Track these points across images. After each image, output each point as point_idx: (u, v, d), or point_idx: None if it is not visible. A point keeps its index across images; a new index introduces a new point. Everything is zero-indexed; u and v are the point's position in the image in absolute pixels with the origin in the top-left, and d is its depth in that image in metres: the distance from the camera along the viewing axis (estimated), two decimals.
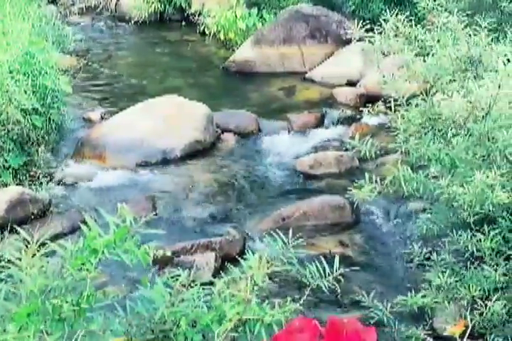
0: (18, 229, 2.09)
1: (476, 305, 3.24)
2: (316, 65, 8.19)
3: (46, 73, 6.02)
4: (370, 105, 3.75)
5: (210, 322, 1.96)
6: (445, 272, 3.37)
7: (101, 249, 1.79)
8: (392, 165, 3.60)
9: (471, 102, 3.30)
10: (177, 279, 2.11)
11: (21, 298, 1.80)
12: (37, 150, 5.79)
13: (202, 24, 9.51)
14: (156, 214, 5.20)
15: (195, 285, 2.13)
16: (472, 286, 3.27)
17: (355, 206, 4.86)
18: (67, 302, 1.77)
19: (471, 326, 1.91)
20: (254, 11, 9.07)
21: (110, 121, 6.61)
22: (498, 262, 3.33)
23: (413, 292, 3.34)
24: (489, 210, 3.18)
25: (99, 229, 1.88)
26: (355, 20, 3.72)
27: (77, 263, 1.82)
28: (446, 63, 3.53)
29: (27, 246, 1.89)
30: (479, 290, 3.27)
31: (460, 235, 3.37)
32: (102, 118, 6.89)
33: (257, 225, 5.20)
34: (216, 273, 4.39)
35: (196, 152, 6.31)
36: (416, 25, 3.66)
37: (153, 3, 10.16)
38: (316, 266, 2.10)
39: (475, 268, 3.39)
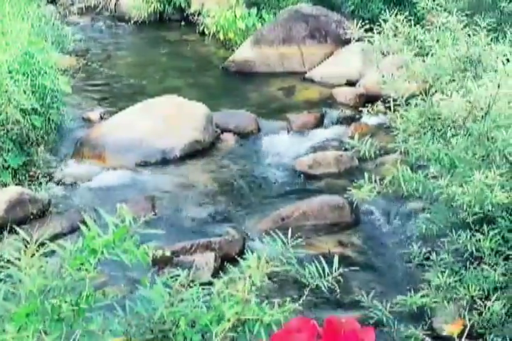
0: (18, 229, 2.09)
1: (475, 305, 3.24)
2: (315, 65, 8.19)
3: (45, 73, 6.02)
4: (370, 105, 3.76)
5: (209, 322, 1.96)
6: (444, 272, 3.37)
7: (100, 249, 1.79)
8: (392, 165, 3.60)
9: (470, 102, 3.30)
10: (176, 279, 2.11)
11: (20, 298, 1.80)
12: (36, 150, 5.79)
13: (201, 24, 9.51)
14: (155, 214, 5.20)
15: (195, 285, 2.13)
16: (471, 286, 3.27)
17: (354, 206, 4.86)
18: (66, 302, 1.77)
19: (469, 326, 1.91)
20: (254, 10, 9.07)
21: (109, 121, 6.61)
22: (497, 262, 3.33)
23: (412, 292, 3.34)
24: (488, 210, 3.18)
25: (99, 229, 1.88)
26: (355, 20, 3.72)
27: (76, 263, 1.82)
28: (446, 63, 3.53)
29: (26, 246, 1.89)
30: (478, 290, 3.27)
31: (459, 235, 3.37)
32: (102, 118, 6.89)
33: (256, 225, 5.20)
34: (215, 273, 4.39)
35: (196, 152, 6.31)
36: (415, 25, 3.66)
37: (152, 3, 10.16)
38: (316, 266, 2.10)
39: (474, 268, 3.39)
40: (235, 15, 8.96)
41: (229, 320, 1.88)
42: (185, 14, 10.13)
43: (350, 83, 7.67)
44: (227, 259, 4.42)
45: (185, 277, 2.12)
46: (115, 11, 10.68)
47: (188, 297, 2.06)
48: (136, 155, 6.16)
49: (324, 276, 2.09)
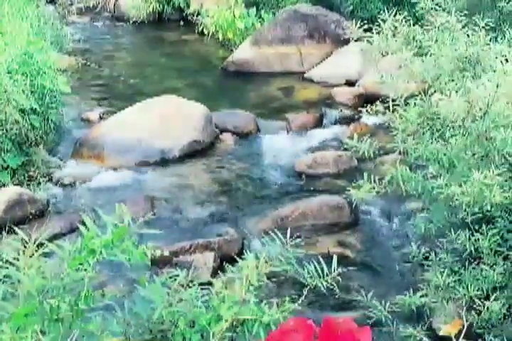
0: (16, 229, 2.09)
1: (474, 305, 3.24)
2: (314, 65, 8.19)
3: (44, 73, 6.01)
4: (369, 105, 3.74)
5: (208, 322, 1.96)
6: (443, 272, 3.37)
7: (99, 249, 1.79)
8: (391, 164, 3.60)
9: (469, 102, 3.30)
10: (175, 279, 2.11)
11: (19, 299, 1.80)
12: (35, 151, 5.79)
13: (200, 24, 9.51)
14: (154, 214, 5.17)
15: (194, 285, 2.13)
16: (470, 286, 3.27)
17: (353, 206, 4.86)
18: (64, 302, 1.77)
19: (468, 326, 1.91)
20: (253, 10, 9.07)
21: (109, 121, 6.61)
22: (496, 262, 3.33)
23: (411, 292, 3.34)
24: (487, 210, 3.18)
25: (98, 229, 1.88)
26: (354, 20, 3.72)
27: (75, 264, 1.82)
28: (445, 63, 3.52)
29: (25, 247, 1.89)
30: (477, 290, 3.27)
31: (458, 235, 3.37)
32: (101, 118, 6.89)
33: (255, 225, 5.19)
34: (215, 273, 4.39)
35: (195, 152, 6.31)
36: (414, 25, 3.66)
37: (151, 3, 10.17)
38: (315, 266, 2.10)
39: (473, 268, 3.39)
40: (234, 15, 8.96)
41: (226, 321, 1.88)
42: (184, 14, 10.13)
43: (350, 83, 7.67)
44: (226, 259, 4.42)
45: (184, 277, 2.12)
46: (114, 11, 10.69)
47: (187, 297, 2.06)
48: (136, 155, 6.16)
49: (323, 276, 2.09)
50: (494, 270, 3.28)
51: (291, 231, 2.16)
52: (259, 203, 5.58)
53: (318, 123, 6.88)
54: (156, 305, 2.01)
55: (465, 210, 3.22)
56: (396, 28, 3.61)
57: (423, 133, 3.52)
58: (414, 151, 3.50)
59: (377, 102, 3.65)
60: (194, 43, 9.47)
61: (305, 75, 8.08)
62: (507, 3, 5.79)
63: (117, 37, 9.93)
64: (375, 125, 6.47)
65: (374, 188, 3.36)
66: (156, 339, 2.00)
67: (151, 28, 10.14)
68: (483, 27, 3.59)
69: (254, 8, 9.11)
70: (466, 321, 2.65)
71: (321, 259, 2.15)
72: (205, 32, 9.36)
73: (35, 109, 5.79)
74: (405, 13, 3.68)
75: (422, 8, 3.84)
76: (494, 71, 3.38)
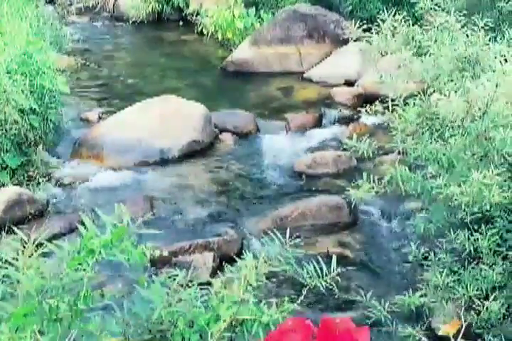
0: (16, 229, 2.09)
1: (473, 305, 3.24)
2: (313, 65, 8.19)
3: (44, 73, 6.01)
4: (368, 105, 3.74)
5: (207, 322, 1.96)
6: (443, 272, 3.37)
7: (98, 249, 1.78)
8: (390, 164, 3.60)
9: (468, 102, 3.30)
10: (174, 279, 2.11)
11: (18, 299, 1.80)
12: (35, 151, 5.78)
13: (200, 24, 9.50)
14: (153, 214, 5.19)
15: (193, 285, 2.13)
16: (470, 286, 3.27)
17: (353, 206, 4.86)
18: (64, 302, 1.77)
19: (468, 326, 1.91)
20: (252, 10, 9.07)
21: (108, 121, 6.61)
22: (495, 262, 3.33)
23: (411, 292, 3.34)
24: (487, 210, 3.18)
25: (97, 229, 1.88)
26: (353, 20, 3.72)
27: (74, 264, 1.82)
28: (444, 63, 3.52)
29: (24, 247, 1.89)
30: (477, 290, 3.27)
31: (458, 235, 3.37)
32: (100, 118, 6.89)
33: (255, 225, 5.19)
34: (214, 273, 4.39)
35: (194, 152, 6.31)
36: (413, 25, 3.66)
37: (150, 3, 10.17)
38: (314, 266, 2.10)
39: (473, 267, 3.39)
40: (234, 15, 8.96)
41: (225, 321, 1.88)
42: (183, 14, 10.13)
43: (349, 83, 7.67)
44: (225, 259, 4.42)
45: (183, 277, 2.12)
46: (113, 11, 10.69)
47: (186, 297, 2.06)
48: (135, 155, 6.16)
49: (322, 276, 2.09)
50: (493, 270, 3.28)
51: (291, 231, 2.16)
52: (258, 203, 5.58)
53: (318, 123, 6.89)
54: (155, 305, 2.01)
55: (464, 210, 3.22)
56: (395, 28, 3.61)
57: (422, 133, 3.52)
58: (413, 151, 3.50)
59: (377, 102, 3.65)
60: (193, 43, 9.47)
61: (304, 75, 8.08)
62: (506, 3, 5.79)
63: (116, 37, 9.92)
64: (374, 125, 6.48)
65: (373, 188, 3.36)
66: (155, 339, 2.00)
67: (151, 28, 10.14)
68: (482, 27, 3.59)
69: (254, 8, 9.11)
70: (466, 321, 2.65)
71: (320, 259, 2.15)
72: (205, 32, 9.36)
73: (35, 109, 5.79)
74: (404, 13, 3.69)
75: (422, 8, 3.84)
76: (493, 71, 3.38)
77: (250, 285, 1.94)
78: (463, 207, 3.14)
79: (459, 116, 3.31)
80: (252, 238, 5.01)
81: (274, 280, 3.93)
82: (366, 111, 3.72)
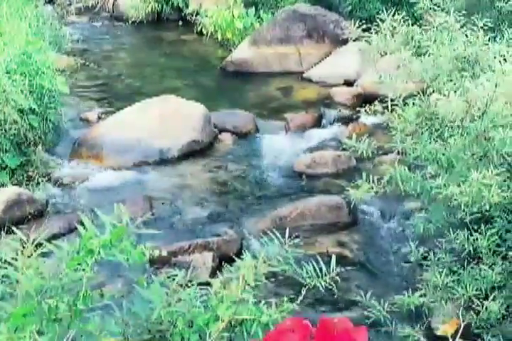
0: (15, 229, 2.09)
1: (473, 305, 3.24)
2: (313, 65, 8.19)
3: (43, 73, 6.01)
4: (367, 105, 3.74)
5: (206, 322, 1.96)
6: (442, 272, 3.37)
7: (97, 249, 1.78)
8: (390, 164, 3.60)
9: (467, 102, 3.30)
10: (174, 279, 2.11)
11: (17, 299, 1.80)
12: (34, 151, 5.78)
13: (199, 24, 9.50)
14: (153, 214, 5.19)
15: (192, 285, 2.13)
16: (469, 286, 3.27)
17: (352, 206, 4.86)
18: (63, 302, 1.77)
19: (465, 325, 1.91)
20: (252, 10, 9.07)
21: (107, 121, 6.61)
22: (495, 261, 3.33)
23: (410, 291, 3.34)
24: (486, 210, 3.18)
25: (96, 229, 1.88)
26: (352, 20, 3.72)
27: (73, 264, 1.82)
28: (443, 63, 3.53)
29: (23, 247, 1.89)
30: (476, 290, 3.27)
31: (457, 235, 3.37)
32: (99, 118, 6.89)
33: (254, 225, 5.19)
34: (213, 273, 4.39)
35: (193, 152, 6.31)
36: (413, 25, 3.66)
37: (150, 2, 10.16)
38: (313, 266, 2.10)
39: (472, 267, 3.39)
40: (233, 15, 8.96)
41: (223, 320, 1.88)
42: (183, 14, 10.13)
43: (348, 83, 7.67)
44: (225, 259, 4.42)
45: (182, 277, 2.12)
46: (113, 11, 10.68)
47: (185, 297, 2.06)
48: (134, 155, 6.16)
49: (322, 276, 2.09)
50: (493, 270, 3.28)
51: (290, 231, 2.16)
52: (257, 203, 5.58)
53: (317, 123, 6.88)
54: (154, 305, 2.02)
55: (464, 210, 3.22)
56: (395, 27, 3.61)
57: (422, 133, 3.52)
58: (412, 151, 3.50)
59: (376, 102, 3.65)
60: (193, 43, 9.47)
61: (304, 75, 8.08)
62: (505, 3, 5.79)
63: (116, 37, 9.92)
64: (373, 125, 6.47)
65: (372, 188, 3.36)
66: (154, 339, 2.00)
67: (150, 27, 10.14)
68: (481, 27, 3.59)
69: (253, 8, 9.11)
70: (465, 321, 2.65)
71: (319, 259, 2.15)
72: (204, 32, 9.36)
73: (34, 109, 5.79)
74: (404, 13, 3.68)
75: (421, 8, 3.84)
76: (493, 71, 3.38)
77: (249, 285, 1.93)
78: (462, 207, 3.14)
79: (458, 116, 3.31)
80: (251, 238, 5.01)
81: (274, 280, 3.93)
82: (365, 111, 3.72)
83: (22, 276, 1.80)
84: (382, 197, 4.64)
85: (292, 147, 6.48)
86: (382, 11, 3.70)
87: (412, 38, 3.64)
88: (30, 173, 5.67)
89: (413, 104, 3.55)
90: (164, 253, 2.03)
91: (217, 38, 9.15)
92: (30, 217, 5.16)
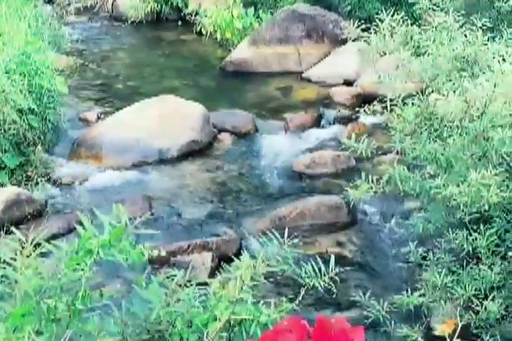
0: (14, 229, 2.09)
1: (472, 305, 3.24)
2: (312, 65, 8.19)
3: (42, 73, 6.01)
4: (367, 105, 3.74)
5: (205, 322, 1.96)
6: (441, 271, 3.37)
7: (96, 250, 1.78)
8: (389, 164, 3.60)
9: (466, 102, 3.30)
10: (173, 279, 2.10)
11: (16, 299, 1.80)
12: (33, 151, 5.78)
13: (199, 24, 9.50)
14: (152, 214, 5.20)
15: (191, 285, 2.13)
16: (468, 286, 3.27)
17: (351, 206, 4.86)
18: (62, 302, 1.76)
19: (465, 326, 1.91)
20: (251, 10, 9.07)
21: (106, 121, 6.60)
22: (494, 261, 3.33)
23: (410, 291, 3.34)
24: (485, 210, 3.18)
25: (95, 229, 1.88)
26: (352, 20, 3.72)
27: (72, 264, 1.82)
28: (442, 63, 3.53)
29: (22, 247, 1.89)
30: (475, 290, 3.27)
31: (456, 234, 3.37)
32: (99, 118, 6.88)
33: (253, 225, 5.19)
34: (213, 273, 4.39)
35: (193, 152, 6.31)
36: (412, 25, 3.67)
37: (149, 2, 10.16)
38: (312, 266, 2.10)
39: (471, 267, 3.39)
40: (232, 15, 8.96)
41: (220, 320, 1.88)
42: (182, 14, 10.12)
43: (348, 83, 7.67)
44: (224, 259, 4.42)
45: (181, 277, 2.12)
46: (112, 11, 10.68)
47: (184, 297, 2.06)
48: (133, 155, 6.16)
49: (321, 276, 2.09)
50: (492, 270, 3.28)
51: (289, 231, 2.16)
52: (257, 203, 5.58)
53: (317, 123, 6.88)
54: (153, 305, 2.01)
55: (463, 210, 3.23)
56: (394, 27, 3.61)
57: (421, 133, 3.52)
58: (411, 151, 3.51)
59: (375, 102, 3.65)
60: (192, 43, 9.47)
61: (303, 75, 8.08)
62: (504, 2, 5.79)
63: (115, 37, 9.92)
64: (372, 125, 6.47)
65: (372, 188, 3.36)
66: (153, 339, 2.00)
67: (149, 28, 10.14)
68: (480, 27, 3.60)
69: (253, 8, 9.11)
70: (464, 321, 2.65)
71: (318, 259, 2.15)
72: (204, 32, 9.35)
73: (33, 109, 5.79)
74: (403, 13, 3.68)
75: (420, 8, 3.84)
76: (492, 71, 3.38)
77: (245, 284, 1.93)
78: (461, 207, 3.14)
79: (457, 116, 3.31)
80: (250, 238, 5.01)
81: (273, 280, 3.93)
82: (365, 111, 3.72)
83: (21, 276, 1.80)
84: (381, 197, 4.64)
85: (291, 147, 6.47)
86: (382, 10, 3.70)
87: (411, 38, 3.64)
88: (29, 173, 5.67)
89: (412, 104, 3.56)
90: (163, 253, 2.03)
91: (217, 38, 9.15)
92: (29, 217, 5.15)
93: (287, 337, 1.05)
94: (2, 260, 1.86)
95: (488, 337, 3.22)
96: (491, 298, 3.18)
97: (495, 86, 3.26)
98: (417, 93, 3.57)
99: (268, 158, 6.30)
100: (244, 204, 5.56)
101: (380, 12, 3.67)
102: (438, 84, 3.53)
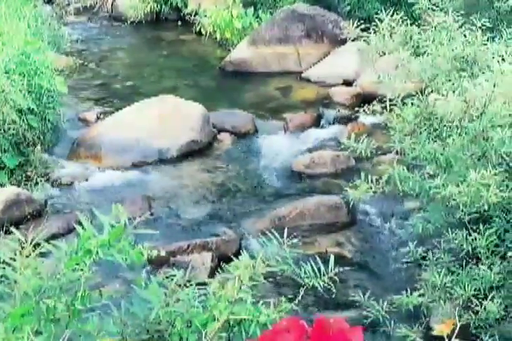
0: (13, 229, 2.09)
1: (471, 305, 3.24)
2: (312, 65, 8.19)
3: (42, 73, 6.01)
4: (366, 105, 3.74)
5: (205, 322, 1.96)
6: (441, 271, 3.37)
7: (95, 250, 1.78)
8: (388, 164, 3.60)
9: (466, 102, 3.30)
10: (172, 279, 2.10)
11: (15, 299, 1.80)
12: (33, 151, 5.78)
13: (198, 24, 9.50)
14: (152, 214, 5.20)
15: (191, 285, 2.13)
16: (468, 286, 3.27)
17: (351, 206, 4.86)
18: (61, 302, 1.76)
19: (464, 326, 1.91)
20: (251, 10, 9.07)
21: (106, 121, 6.60)
22: (493, 261, 3.33)
23: (409, 291, 3.34)
24: (484, 210, 3.18)
25: (95, 229, 1.88)
26: (351, 20, 3.72)
27: (71, 264, 1.82)
28: (442, 63, 3.53)
29: (22, 247, 1.89)
30: (475, 290, 3.27)
31: (456, 234, 3.37)
32: (98, 118, 6.89)
33: (253, 225, 5.19)
34: (212, 273, 4.39)
35: (192, 152, 6.31)
36: (411, 25, 3.67)
37: (149, 3, 10.16)
38: (312, 266, 2.10)
39: (470, 267, 3.39)
40: (232, 15, 8.96)
41: (218, 320, 1.88)
42: (181, 14, 10.12)
43: (347, 83, 7.67)
44: (224, 259, 4.42)
45: (181, 277, 2.12)
46: (112, 11, 10.68)
47: (184, 297, 2.06)
48: (133, 155, 6.16)
49: (320, 276, 2.09)
50: (491, 270, 3.28)
51: (289, 231, 2.16)
52: (256, 203, 5.58)
53: (316, 123, 6.88)
54: (153, 305, 2.01)
55: (462, 210, 3.23)
56: (393, 27, 3.61)
57: (420, 133, 3.52)
58: (411, 151, 3.51)
59: (375, 102, 3.65)
60: (192, 43, 9.47)
61: (303, 75, 8.08)
62: (504, 2, 5.79)
63: (115, 37, 9.92)
64: (372, 125, 6.47)
65: (371, 188, 3.36)
66: (153, 339, 2.00)
67: (149, 28, 10.14)
68: (480, 27, 3.60)
69: (252, 8, 9.11)
70: (464, 321, 2.65)
71: (318, 259, 2.15)
72: (203, 32, 9.36)
73: (33, 109, 5.79)
74: (402, 12, 3.68)
75: (419, 8, 3.84)
76: (491, 71, 3.38)
77: (244, 284, 1.93)
78: (461, 206, 3.15)
79: (456, 116, 3.32)
80: (250, 238, 5.01)
81: (272, 280, 3.93)
82: (364, 111, 3.73)
83: (20, 276, 1.80)
84: (380, 197, 4.64)
85: (291, 147, 6.48)
86: (381, 10, 3.70)
87: (411, 38, 3.64)
88: (28, 173, 5.67)
89: (412, 104, 3.56)
90: (163, 253, 2.03)
91: (216, 38, 9.15)
92: (28, 217, 5.15)
93: (285, 337, 1.05)
94: (1, 260, 1.86)
95: (487, 337, 3.22)
96: (490, 298, 3.18)
97: (494, 86, 3.26)
98: (417, 93, 3.57)
99: (268, 158, 6.30)
100: (244, 204, 5.56)
101: (379, 12, 3.67)
102: (437, 84, 3.53)
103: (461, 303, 3.25)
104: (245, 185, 5.86)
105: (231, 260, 2.12)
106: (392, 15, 3.62)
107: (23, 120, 5.71)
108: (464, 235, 3.34)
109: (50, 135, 6.14)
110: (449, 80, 3.52)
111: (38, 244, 1.93)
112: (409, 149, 3.52)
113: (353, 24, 3.62)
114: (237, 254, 3.55)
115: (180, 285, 2.11)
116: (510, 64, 3.41)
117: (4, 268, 1.84)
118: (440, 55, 3.53)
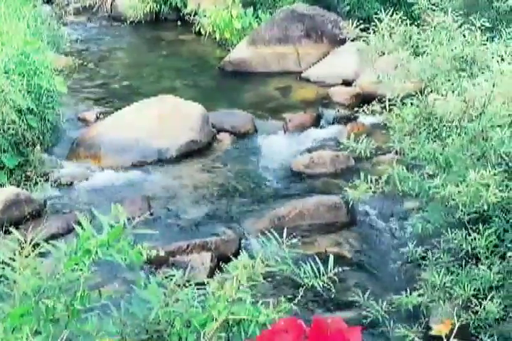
0: (12, 230, 2.09)
1: (471, 305, 3.24)
2: (311, 65, 8.19)
3: (41, 73, 6.01)
4: (366, 105, 3.74)
5: (204, 322, 1.96)
6: (440, 271, 3.37)
7: (94, 250, 1.78)
8: (388, 164, 3.60)
9: (465, 102, 3.30)
10: (171, 279, 2.10)
11: (15, 299, 1.80)
12: (32, 151, 5.78)
13: (197, 24, 9.50)
14: (151, 214, 5.20)
15: (190, 285, 2.13)
16: (467, 285, 3.27)
17: (350, 206, 4.86)
18: (60, 302, 1.76)
19: (464, 326, 1.91)
20: (250, 10, 9.07)
21: (105, 121, 6.60)
22: (493, 261, 3.33)
23: (409, 291, 3.34)
24: (484, 210, 3.18)
25: (94, 229, 1.88)
26: (351, 20, 3.72)
27: (70, 264, 1.82)
28: (441, 63, 3.53)
29: (21, 247, 1.89)
30: (474, 290, 3.27)
31: (455, 234, 3.37)
32: (98, 118, 6.88)
33: (252, 225, 5.19)
34: (212, 273, 4.38)
35: (192, 152, 6.31)
36: (411, 25, 3.67)
37: (148, 3, 10.16)
38: (311, 266, 2.10)
39: (470, 267, 3.39)
40: (231, 15, 8.96)
41: (217, 320, 1.88)
42: (181, 14, 10.12)
43: (346, 83, 7.67)
44: (223, 259, 4.42)
45: (180, 277, 2.12)
46: (111, 11, 10.68)
47: (183, 297, 2.06)
48: (132, 155, 6.16)
49: (319, 276, 2.09)
50: (491, 270, 3.28)
51: (288, 231, 2.16)
52: (256, 203, 5.58)
53: (316, 123, 6.88)
54: (152, 305, 2.01)
55: (462, 210, 3.23)
56: (393, 27, 3.61)
57: (420, 133, 3.52)
58: (410, 151, 3.51)
59: (374, 102, 3.65)
60: (191, 43, 9.47)
61: (302, 75, 8.08)
62: (503, 3, 5.79)
63: (114, 37, 9.92)
64: (371, 125, 6.47)
65: (371, 188, 3.36)
66: (152, 339, 2.00)
67: (148, 28, 10.14)
68: (479, 27, 3.60)
69: (252, 8, 9.11)
70: (463, 321, 2.65)
71: (317, 259, 2.15)
72: (203, 32, 9.36)
73: (32, 109, 5.78)
74: (402, 12, 3.68)
75: (419, 8, 3.84)
76: (491, 71, 3.38)
77: (242, 284, 1.93)
78: (460, 206, 3.15)
79: (456, 116, 3.32)
80: (249, 238, 5.00)
81: (272, 280, 3.93)
82: (364, 111, 3.72)
83: (19, 276, 1.80)
84: (380, 197, 4.64)
85: (291, 147, 6.48)
86: (381, 10, 3.70)
87: (410, 38, 3.64)
88: (28, 173, 5.67)
89: (411, 103, 3.56)
90: (162, 253, 2.03)
91: (216, 38, 9.15)
92: (28, 217, 5.15)
93: (283, 337, 1.05)
94: (1, 260, 1.86)
95: (486, 337, 3.22)
96: (489, 297, 3.18)
97: (494, 86, 3.26)
98: (416, 93, 3.57)
99: (267, 158, 6.30)
100: (243, 204, 5.56)
101: (379, 12, 3.67)
102: (437, 84, 3.53)
103: (460, 303, 3.25)
104: (245, 185, 5.86)
105: (230, 260, 2.12)
106: (391, 15, 3.62)
107: (23, 120, 5.71)
108: (464, 235, 3.34)
109: (49, 135, 6.14)
110: (449, 80, 3.52)
111: (38, 244, 1.93)
112: (408, 149, 3.52)
113: (352, 24, 3.62)
114: (236, 254, 3.56)
115: (179, 285, 2.11)
116: (509, 64, 3.41)
117: (4, 268, 1.84)
118: (439, 55, 3.53)
